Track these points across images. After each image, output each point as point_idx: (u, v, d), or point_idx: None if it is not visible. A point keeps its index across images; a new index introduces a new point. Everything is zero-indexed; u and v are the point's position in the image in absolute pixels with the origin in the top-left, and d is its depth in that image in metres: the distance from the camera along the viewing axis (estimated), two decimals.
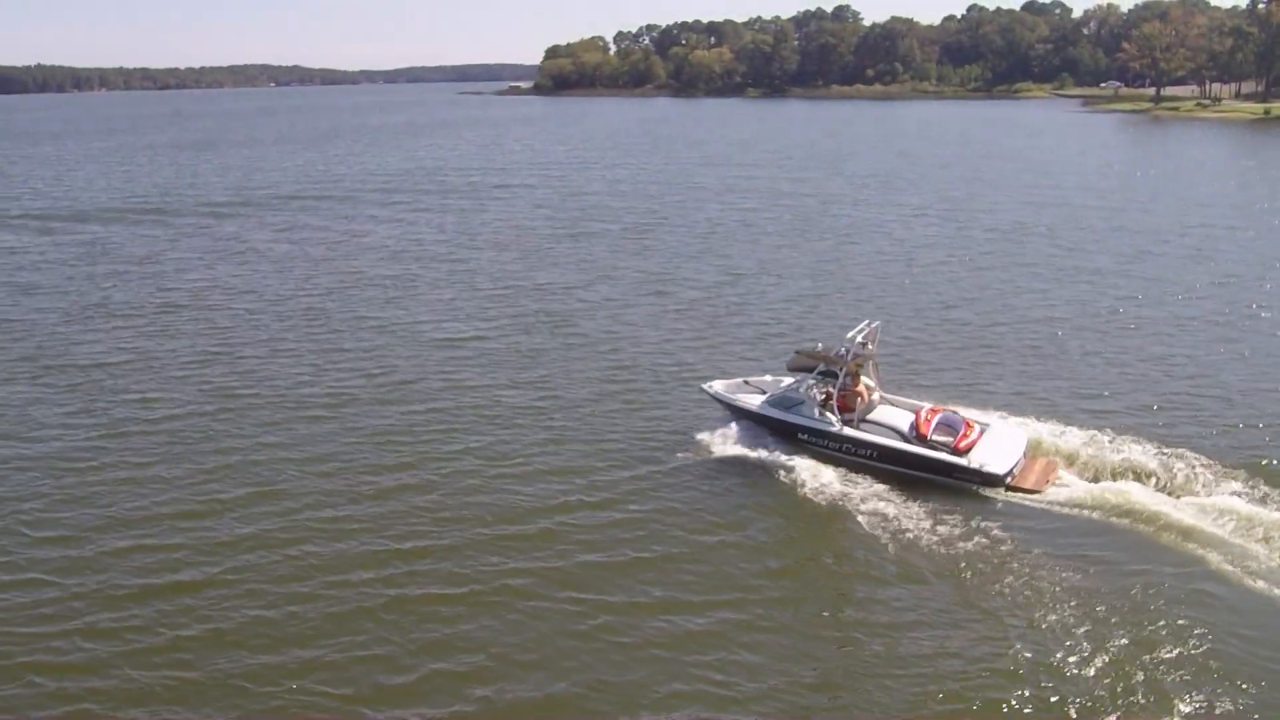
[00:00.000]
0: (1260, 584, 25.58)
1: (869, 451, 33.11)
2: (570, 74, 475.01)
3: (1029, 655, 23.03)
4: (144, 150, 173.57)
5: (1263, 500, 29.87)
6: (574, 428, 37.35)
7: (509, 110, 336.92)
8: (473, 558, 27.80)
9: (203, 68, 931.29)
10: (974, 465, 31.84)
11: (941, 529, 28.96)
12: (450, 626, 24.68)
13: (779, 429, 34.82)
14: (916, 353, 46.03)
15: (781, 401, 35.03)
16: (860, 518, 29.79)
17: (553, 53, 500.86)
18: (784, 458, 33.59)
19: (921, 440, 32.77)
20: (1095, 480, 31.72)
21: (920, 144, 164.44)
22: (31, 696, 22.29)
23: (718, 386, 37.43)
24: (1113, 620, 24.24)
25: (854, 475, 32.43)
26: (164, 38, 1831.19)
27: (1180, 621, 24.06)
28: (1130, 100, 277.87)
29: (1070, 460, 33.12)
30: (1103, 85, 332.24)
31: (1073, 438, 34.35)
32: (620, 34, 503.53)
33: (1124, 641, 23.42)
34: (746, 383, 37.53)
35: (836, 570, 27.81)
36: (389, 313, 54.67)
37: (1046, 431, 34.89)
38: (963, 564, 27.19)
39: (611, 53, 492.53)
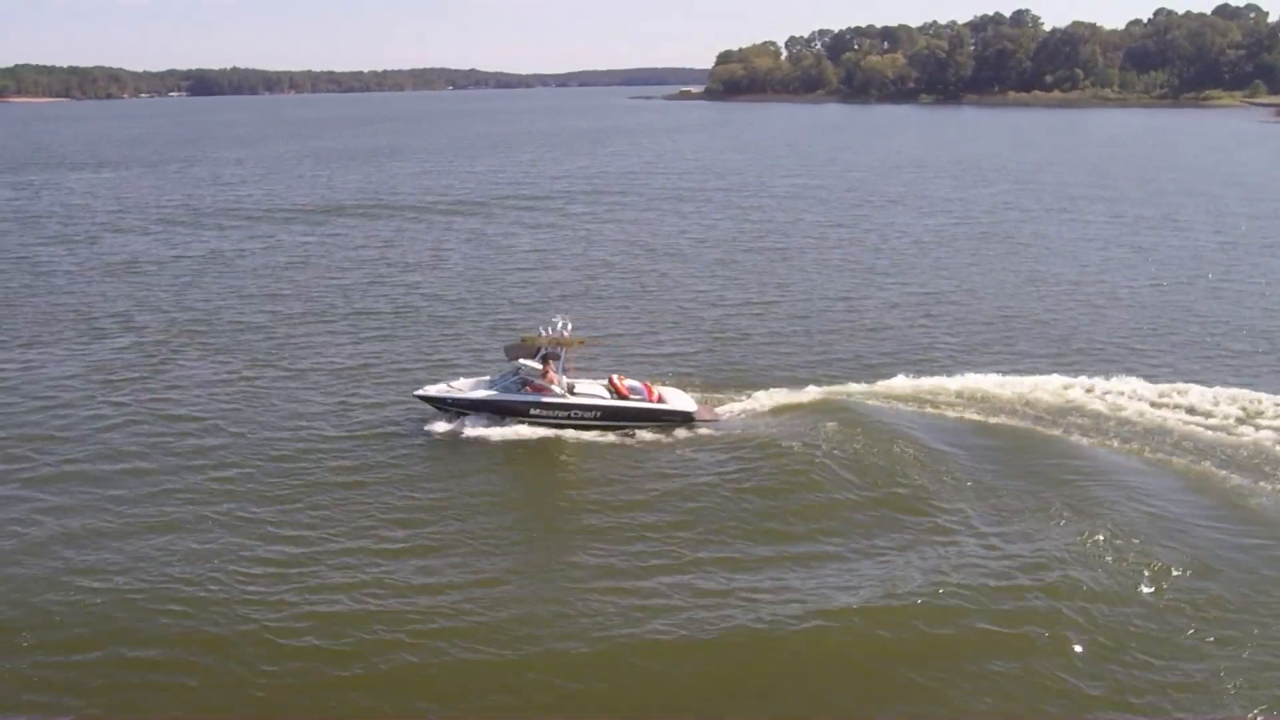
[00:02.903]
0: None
1: (594, 413, 41.12)
2: (741, 79, 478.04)
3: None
4: (347, 155, 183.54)
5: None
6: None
7: (682, 116, 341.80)
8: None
9: (385, 71, 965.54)
10: (675, 408, 41.41)
11: (668, 455, 38.86)
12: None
13: (513, 409, 41.08)
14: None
15: (509, 387, 41.52)
16: (606, 460, 38.38)
17: (725, 58, 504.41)
18: (524, 432, 40.68)
19: (625, 399, 41.23)
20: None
21: (1117, 161, 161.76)
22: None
23: (432, 390, 42.55)
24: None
25: (582, 435, 40.60)
26: (349, 42, 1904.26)
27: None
28: None
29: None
30: None
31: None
32: (792, 39, 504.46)
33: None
34: (450, 385, 42.71)
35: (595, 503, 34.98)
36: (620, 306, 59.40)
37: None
38: (689, 477, 36.86)
39: (783, 58, 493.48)
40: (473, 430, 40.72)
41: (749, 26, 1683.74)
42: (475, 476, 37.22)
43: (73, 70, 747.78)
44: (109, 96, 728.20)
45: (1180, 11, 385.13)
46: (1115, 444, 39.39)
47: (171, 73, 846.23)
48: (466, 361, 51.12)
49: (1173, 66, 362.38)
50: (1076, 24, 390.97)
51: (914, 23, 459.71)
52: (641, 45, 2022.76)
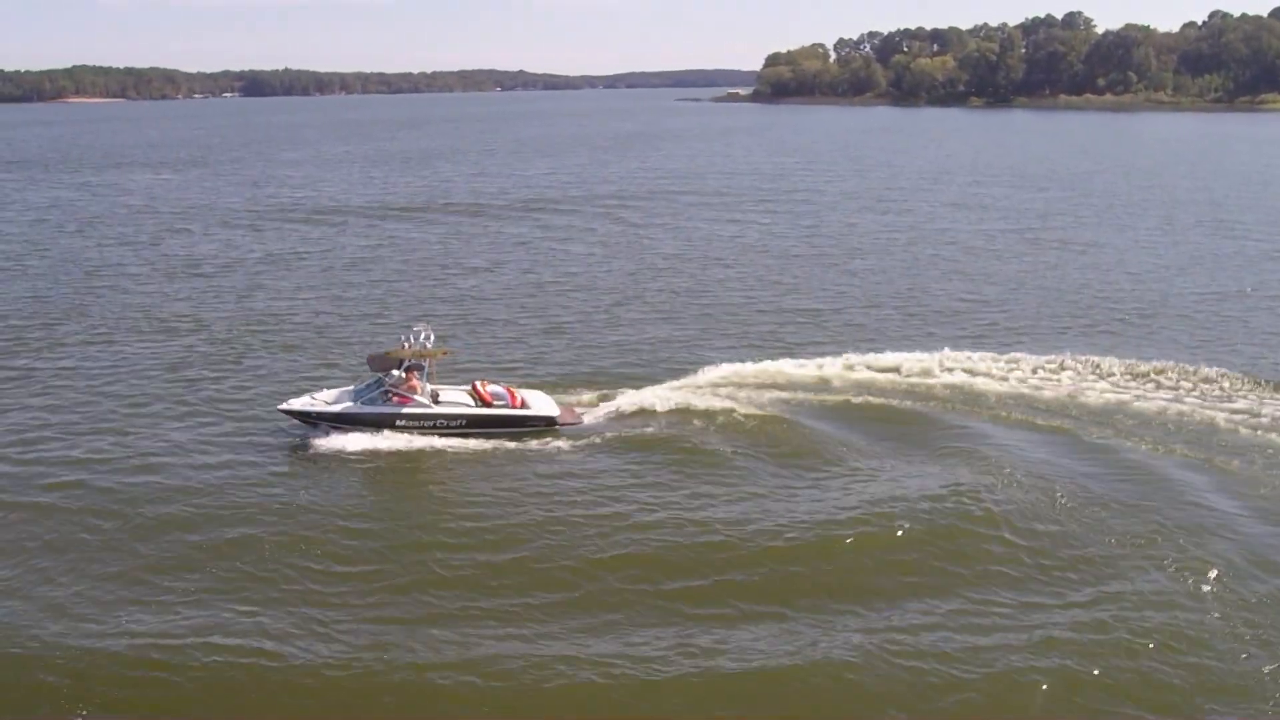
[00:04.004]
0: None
1: (460, 422, 41.64)
2: (789, 81, 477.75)
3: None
4: (406, 158, 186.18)
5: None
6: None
7: (731, 119, 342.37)
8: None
9: (434, 73, 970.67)
10: (538, 414, 42.24)
11: (535, 458, 39.88)
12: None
13: (378, 421, 41.42)
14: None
15: (373, 398, 41.89)
16: (470, 468, 39.07)
17: (773, 60, 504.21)
18: (391, 443, 40.80)
19: (490, 407, 42.00)
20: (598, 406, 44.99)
21: (1171, 165, 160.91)
22: None
23: (296, 404, 42.38)
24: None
25: (449, 441, 41.01)
26: (399, 43, 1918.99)
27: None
28: None
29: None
30: None
31: None
32: (841, 41, 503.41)
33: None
34: (314, 398, 42.74)
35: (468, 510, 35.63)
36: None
37: None
38: (557, 476, 38.15)
39: (831, 60, 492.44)
40: (336, 443, 40.80)
41: (797, 28, 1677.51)
42: (336, 493, 37.30)
43: (129, 71, 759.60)
44: (164, 97, 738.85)
45: (1236, 14, 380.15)
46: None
47: (225, 73, 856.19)
48: (479, 366, 52.36)
49: (1227, 70, 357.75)
50: (1129, 26, 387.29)
51: (964, 25, 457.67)
52: (689, 47, 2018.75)
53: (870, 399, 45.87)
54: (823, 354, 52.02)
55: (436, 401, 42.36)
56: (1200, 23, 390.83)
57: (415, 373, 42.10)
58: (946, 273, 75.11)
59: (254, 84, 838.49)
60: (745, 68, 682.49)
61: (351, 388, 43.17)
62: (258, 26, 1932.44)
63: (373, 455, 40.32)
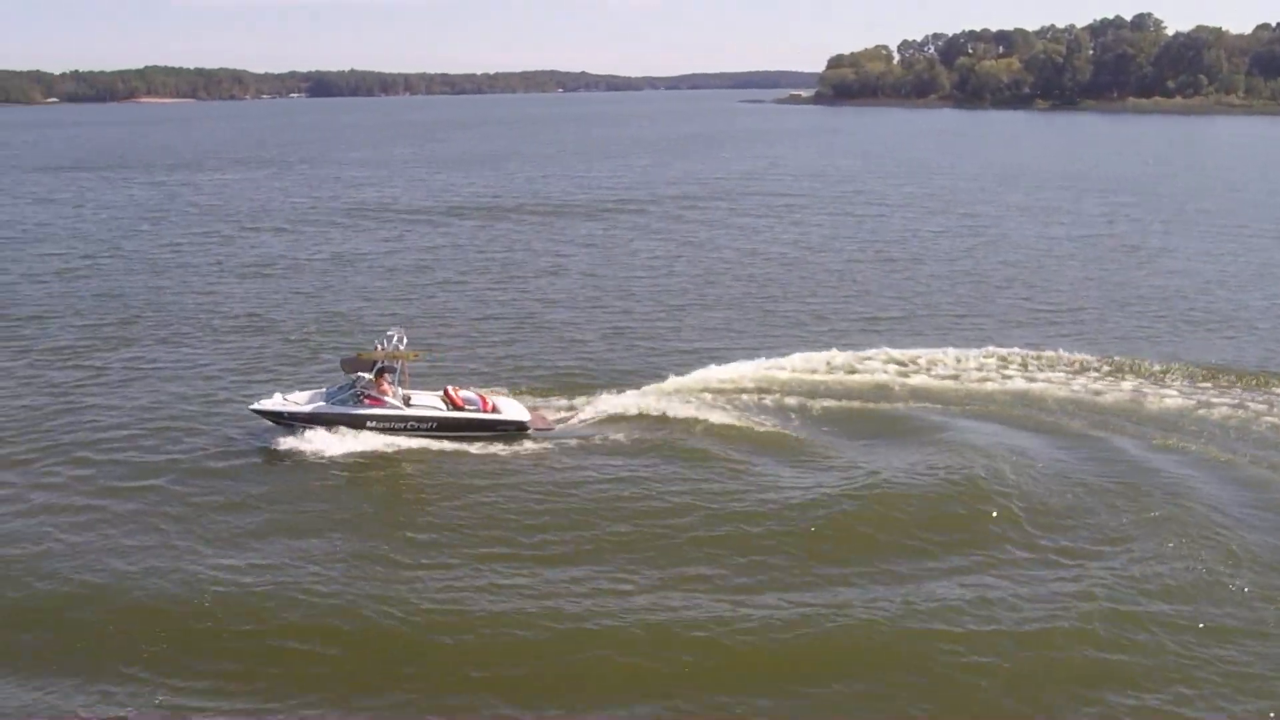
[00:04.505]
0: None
1: (430, 424, 42.21)
2: (851, 83, 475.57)
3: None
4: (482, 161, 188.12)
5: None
6: None
7: (794, 121, 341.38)
8: None
9: (496, 73, 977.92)
10: (509, 418, 42.61)
11: (508, 464, 40.03)
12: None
13: (349, 422, 41.85)
14: None
15: (344, 400, 42.27)
16: (442, 471, 39.53)
17: (835, 62, 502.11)
18: (365, 445, 41.16)
19: (460, 410, 42.42)
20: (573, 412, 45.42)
21: (1245, 170, 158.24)
22: None
23: (268, 404, 42.69)
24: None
25: (419, 444, 41.51)
26: (462, 44, 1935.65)
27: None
28: None
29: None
30: None
31: None
32: (905, 43, 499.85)
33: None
34: (285, 398, 43.01)
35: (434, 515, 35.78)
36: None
37: None
38: (530, 479, 38.45)
39: (895, 61, 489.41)
40: (309, 444, 41.27)
41: (860, 30, 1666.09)
42: (310, 493, 37.77)
43: (199, 72, 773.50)
44: (231, 97, 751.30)
45: None
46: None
47: (292, 74, 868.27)
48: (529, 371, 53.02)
49: None
50: (1200, 28, 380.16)
51: (1030, 26, 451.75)
52: (751, 48, 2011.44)
53: (900, 405, 46.07)
54: (867, 351, 52.89)
55: (408, 404, 42.99)
56: (1274, 24, 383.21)
57: (386, 375, 42.70)
58: (1009, 278, 74.48)
59: (320, 84, 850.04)
60: (807, 69, 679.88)
61: (324, 389, 43.91)
62: (324, 27, 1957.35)
63: (342, 457, 40.83)
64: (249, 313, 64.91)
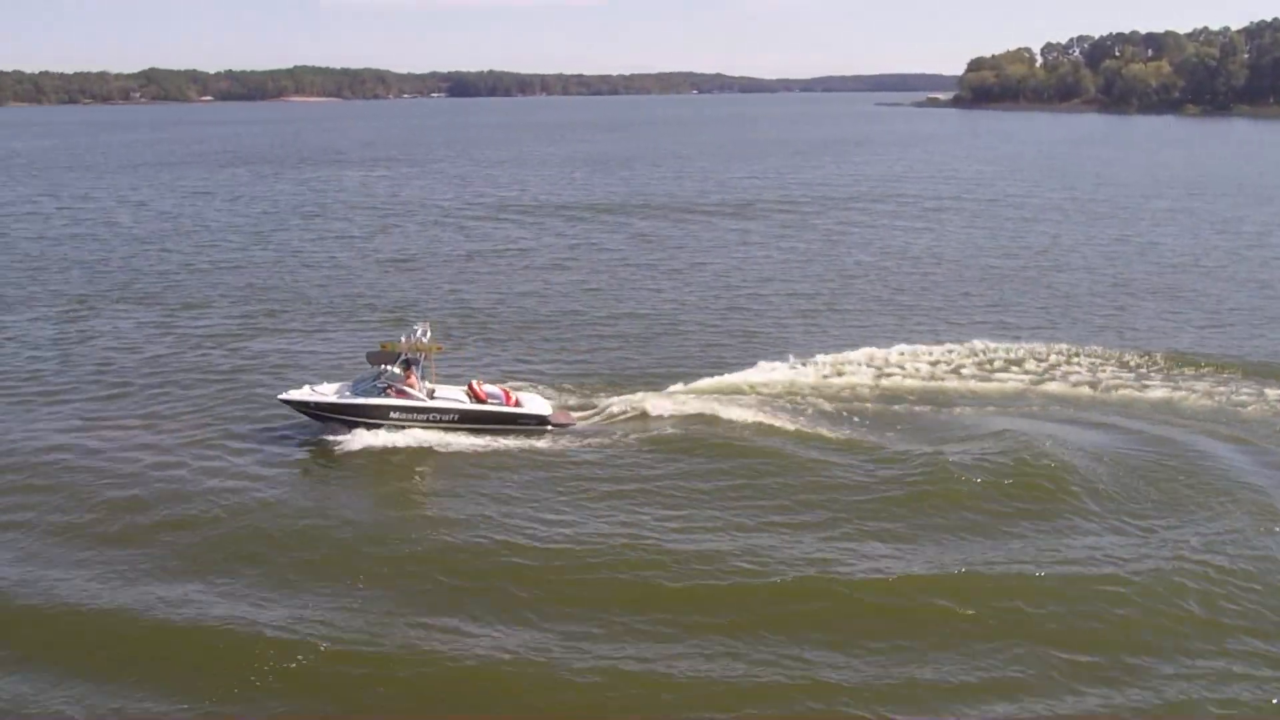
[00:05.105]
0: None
1: (454, 416, 43.01)
2: (992, 86, 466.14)
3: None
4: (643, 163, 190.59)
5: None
6: None
7: (932, 125, 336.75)
8: None
9: (632, 74, 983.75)
10: (531, 412, 43.54)
11: (537, 455, 40.95)
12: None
13: (375, 413, 42.58)
14: None
15: (370, 391, 42.84)
16: (470, 462, 40.59)
17: (976, 65, 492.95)
18: (394, 439, 42.13)
19: (483, 404, 43.31)
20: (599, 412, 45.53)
21: None
22: None
23: (296, 394, 43.28)
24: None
25: (447, 436, 42.40)
26: (598, 45, 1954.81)
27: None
28: None
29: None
30: None
31: None
32: (1048, 45, 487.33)
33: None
34: (313, 389, 43.62)
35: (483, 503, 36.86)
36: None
37: None
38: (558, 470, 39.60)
39: (1038, 65, 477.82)
40: (338, 435, 42.47)
41: (1002, 32, 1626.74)
42: (344, 487, 39.15)
43: (344, 71, 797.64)
44: (375, 97, 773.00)
45: None
46: None
47: (432, 74, 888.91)
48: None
49: None
50: None
51: (1181, 28, 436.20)
52: (888, 50, 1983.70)
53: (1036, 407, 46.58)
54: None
55: (432, 398, 43.82)
56: None
57: (412, 368, 43.67)
58: (1152, 288, 72.92)
59: (459, 85, 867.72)
60: (946, 71, 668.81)
61: (350, 381, 44.83)
62: (464, 29, 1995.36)
63: (373, 449, 41.94)
64: (391, 305, 67.51)
